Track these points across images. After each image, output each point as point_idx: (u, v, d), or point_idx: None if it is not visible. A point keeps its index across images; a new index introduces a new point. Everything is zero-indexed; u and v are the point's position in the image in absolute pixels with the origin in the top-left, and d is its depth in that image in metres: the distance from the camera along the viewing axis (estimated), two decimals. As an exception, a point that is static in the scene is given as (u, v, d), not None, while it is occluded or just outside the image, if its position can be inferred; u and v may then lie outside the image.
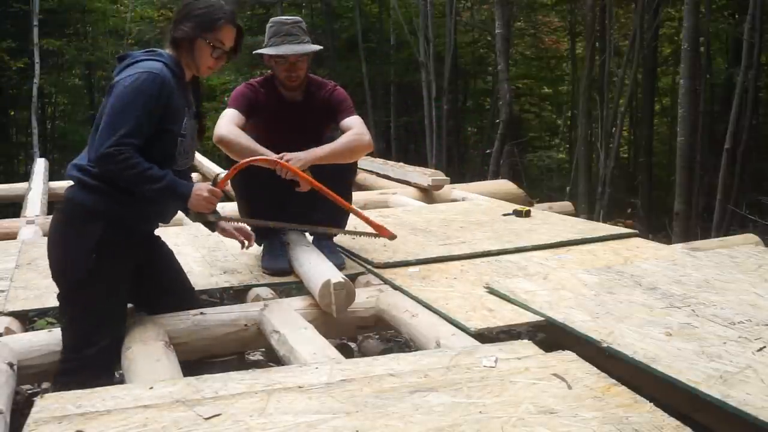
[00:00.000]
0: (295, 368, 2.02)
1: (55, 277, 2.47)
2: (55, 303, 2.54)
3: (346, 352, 3.11)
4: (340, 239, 3.43)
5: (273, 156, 2.93)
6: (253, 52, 3.30)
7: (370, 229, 3.13)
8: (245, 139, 3.01)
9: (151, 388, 1.83)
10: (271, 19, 3.25)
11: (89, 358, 2.32)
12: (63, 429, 1.60)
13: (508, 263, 3.20)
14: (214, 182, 2.60)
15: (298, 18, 3.26)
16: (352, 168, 3.34)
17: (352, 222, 3.28)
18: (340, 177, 3.17)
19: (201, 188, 2.51)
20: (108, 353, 2.35)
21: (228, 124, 3.02)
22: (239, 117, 3.05)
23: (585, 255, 3.32)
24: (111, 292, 2.41)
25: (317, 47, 3.25)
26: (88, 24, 17.05)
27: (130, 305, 2.61)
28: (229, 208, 4.23)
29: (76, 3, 15.80)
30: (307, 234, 3.39)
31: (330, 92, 3.26)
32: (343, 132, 3.20)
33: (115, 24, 16.96)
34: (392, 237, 3.10)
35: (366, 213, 4.49)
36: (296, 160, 3.00)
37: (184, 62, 2.50)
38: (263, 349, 3.09)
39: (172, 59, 2.47)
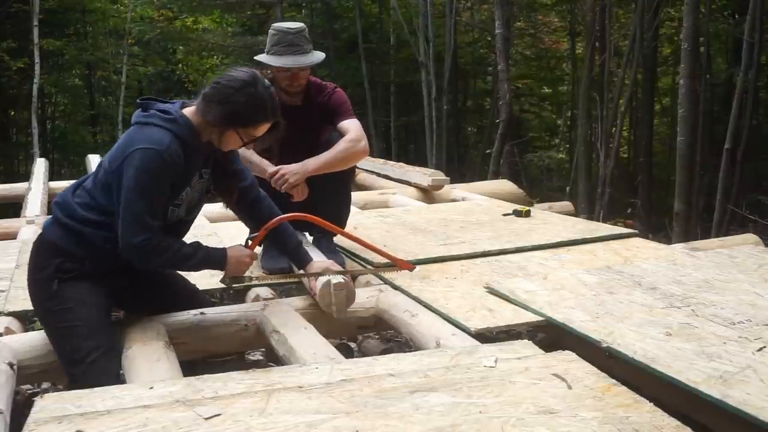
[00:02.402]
0: (295, 368, 2.02)
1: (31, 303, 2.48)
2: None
3: (346, 352, 3.11)
4: (339, 239, 3.43)
5: (270, 168, 3.05)
6: (255, 58, 3.27)
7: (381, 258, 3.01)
8: (241, 150, 3.06)
9: (151, 388, 1.83)
10: (274, 26, 3.21)
11: (84, 373, 2.27)
12: (63, 429, 1.60)
13: (508, 263, 3.20)
14: (246, 244, 2.56)
15: (301, 26, 3.21)
16: (350, 168, 3.35)
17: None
18: (338, 177, 3.18)
19: (241, 254, 2.49)
20: (104, 363, 2.27)
21: None
22: None
23: (585, 255, 3.32)
24: (83, 309, 2.33)
25: (321, 57, 3.22)
26: (88, 24, 17.07)
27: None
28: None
29: (76, 3, 15.81)
30: (306, 234, 3.39)
31: (329, 95, 3.26)
32: (340, 134, 3.20)
33: (115, 24, 16.97)
34: (411, 268, 2.92)
35: (366, 213, 4.51)
36: (291, 174, 3.04)
37: (205, 133, 2.37)
38: (263, 349, 3.09)
39: (187, 127, 2.33)
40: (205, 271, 3.07)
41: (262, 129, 2.40)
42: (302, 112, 3.23)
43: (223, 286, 2.66)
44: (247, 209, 2.67)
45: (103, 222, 2.36)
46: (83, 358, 2.26)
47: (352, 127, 3.20)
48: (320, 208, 3.08)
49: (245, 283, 2.67)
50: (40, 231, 2.51)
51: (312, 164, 3.10)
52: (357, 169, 5.96)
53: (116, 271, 2.45)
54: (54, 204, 2.47)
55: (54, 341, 2.37)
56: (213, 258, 2.46)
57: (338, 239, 3.41)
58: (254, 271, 3.19)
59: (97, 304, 2.37)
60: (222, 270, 2.50)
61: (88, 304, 2.35)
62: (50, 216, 2.47)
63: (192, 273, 2.90)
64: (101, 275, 2.41)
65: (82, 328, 2.30)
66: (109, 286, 2.44)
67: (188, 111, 2.38)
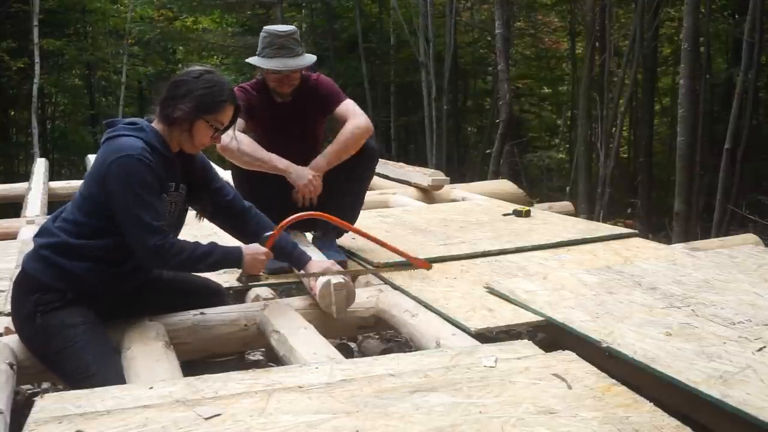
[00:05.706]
0: (295, 368, 2.02)
1: None
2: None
3: (346, 352, 3.11)
4: (339, 239, 3.42)
5: (280, 164, 3.12)
6: (246, 60, 3.29)
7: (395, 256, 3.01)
8: (249, 147, 3.08)
9: (151, 388, 1.83)
10: (265, 29, 3.22)
11: (93, 385, 2.23)
12: (63, 429, 1.60)
13: (508, 263, 3.20)
14: (262, 242, 2.56)
15: (292, 28, 3.22)
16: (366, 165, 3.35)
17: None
18: (355, 174, 3.26)
19: (257, 251, 2.49)
20: (107, 371, 2.22)
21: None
22: (240, 122, 2.99)
23: (585, 255, 3.31)
24: (71, 330, 2.28)
25: (311, 60, 3.21)
26: (88, 24, 17.09)
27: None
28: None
29: (76, 3, 15.83)
30: (306, 234, 3.39)
31: (315, 85, 3.29)
32: (338, 118, 3.24)
33: (115, 24, 16.99)
34: (428, 267, 2.92)
35: (366, 213, 4.50)
36: (316, 177, 3.09)
37: (174, 138, 2.41)
38: (263, 349, 3.08)
39: (156, 135, 2.37)
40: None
41: (228, 113, 2.44)
42: (295, 108, 3.28)
43: (240, 284, 2.67)
44: (233, 222, 2.67)
45: (87, 248, 2.33)
46: (85, 373, 2.21)
47: (348, 110, 3.23)
48: (332, 204, 3.11)
49: (260, 281, 2.67)
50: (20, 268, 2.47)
51: (323, 162, 3.15)
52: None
53: (101, 298, 2.40)
54: (34, 237, 2.44)
55: (56, 372, 2.34)
56: (230, 256, 2.45)
57: (340, 239, 3.41)
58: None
59: (84, 322, 2.31)
60: (239, 268, 2.50)
61: (75, 323, 2.29)
62: (30, 249, 2.43)
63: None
64: (86, 302, 2.36)
65: (74, 347, 2.25)
66: (95, 310, 2.38)
67: (153, 124, 2.42)
